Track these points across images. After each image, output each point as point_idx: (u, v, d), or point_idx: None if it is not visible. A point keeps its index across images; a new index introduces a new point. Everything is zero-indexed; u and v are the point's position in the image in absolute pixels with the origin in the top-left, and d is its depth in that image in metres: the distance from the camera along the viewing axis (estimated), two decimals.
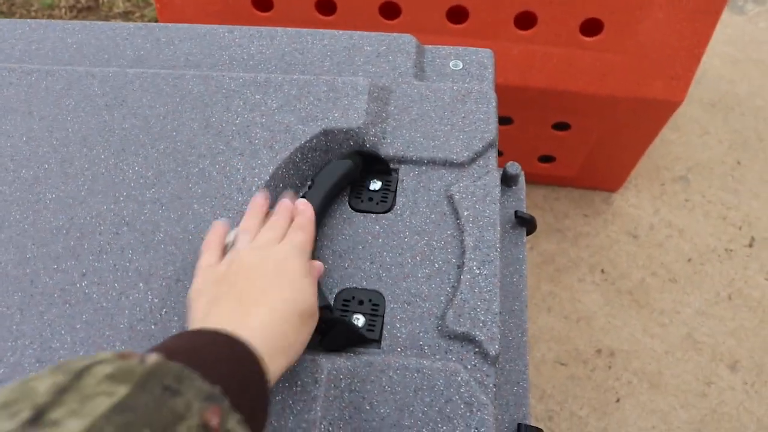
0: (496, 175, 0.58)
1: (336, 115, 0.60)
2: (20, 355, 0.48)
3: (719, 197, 1.56)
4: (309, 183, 0.55)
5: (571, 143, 1.39)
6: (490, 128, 0.61)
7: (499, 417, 0.55)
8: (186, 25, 0.71)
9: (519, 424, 0.54)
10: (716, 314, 1.37)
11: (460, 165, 0.59)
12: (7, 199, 0.56)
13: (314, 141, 0.59)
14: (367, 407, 0.46)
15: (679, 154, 1.64)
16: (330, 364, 0.46)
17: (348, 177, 0.56)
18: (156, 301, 0.50)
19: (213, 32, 0.70)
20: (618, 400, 1.27)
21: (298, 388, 0.45)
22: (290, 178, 0.58)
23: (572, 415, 1.26)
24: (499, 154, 1.06)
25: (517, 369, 0.58)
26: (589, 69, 1.18)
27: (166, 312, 0.49)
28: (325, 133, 0.59)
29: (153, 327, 0.49)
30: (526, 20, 1.14)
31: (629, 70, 1.17)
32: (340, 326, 0.48)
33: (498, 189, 0.57)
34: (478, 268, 0.52)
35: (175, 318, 0.49)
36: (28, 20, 0.73)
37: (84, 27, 0.72)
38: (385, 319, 0.51)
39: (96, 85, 0.63)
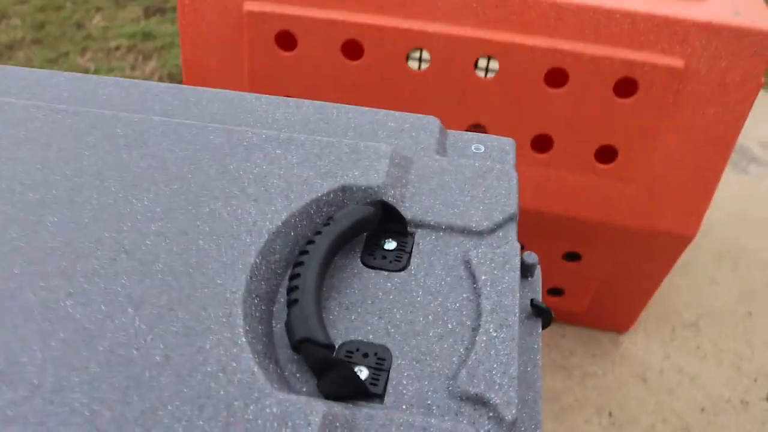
0: (516, 245, 0.56)
1: (356, 173, 0.59)
2: None
3: (732, 347, 1.50)
4: (327, 221, 0.53)
5: (581, 276, 1.37)
6: (511, 203, 0.60)
7: None
8: (215, 90, 0.73)
9: None
10: None
11: (479, 233, 0.57)
12: (7, 218, 0.54)
13: (331, 195, 0.57)
14: None
15: (689, 301, 1.61)
16: (326, 408, 0.41)
17: (366, 223, 0.54)
18: (143, 327, 0.46)
19: (240, 97, 0.72)
20: None
21: (288, 429, 0.39)
22: (302, 228, 0.56)
23: None
24: None
25: None
26: (602, 197, 1.20)
27: (151, 339, 0.45)
28: (344, 189, 0.58)
29: (134, 352, 0.44)
30: (542, 143, 1.18)
31: (642, 201, 1.18)
32: (341, 369, 0.43)
33: (518, 259, 0.55)
34: (495, 332, 0.48)
35: (161, 345, 0.44)
36: (66, 73, 0.75)
37: (116, 83, 0.74)
38: (390, 374, 0.46)
39: (119, 127, 0.64)
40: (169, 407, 0.41)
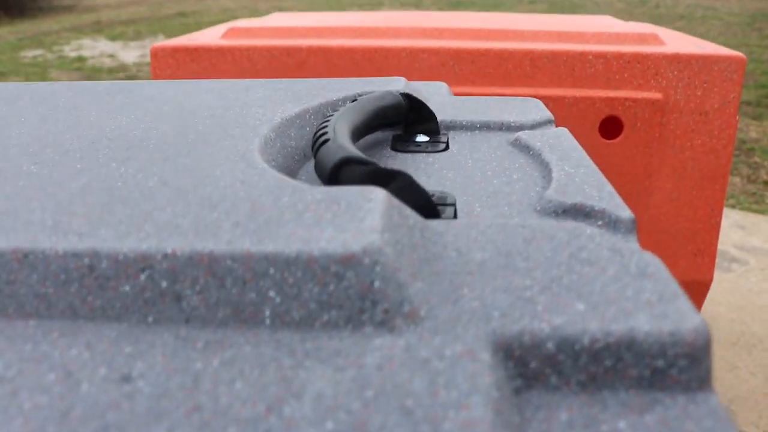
0: (567, 131, 0.48)
1: (380, 84, 0.52)
2: None
3: None
4: (352, 99, 0.44)
5: None
6: (545, 113, 0.53)
7: None
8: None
9: None
10: None
11: (519, 127, 0.49)
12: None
13: (346, 101, 0.50)
14: (453, 254, 0.28)
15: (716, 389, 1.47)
16: (386, 194, 0.29)
17: (393, 110, 0.45)
18: (130, 171, 0.35)
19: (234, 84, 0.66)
20: None
21: (341, 207, 0.28)
22: (316, 112, 0.47)
23: None
24: None
25: None
26: None
27: (143, 176, 0.34)
28: (360, 96, 0.50)
29: (119, 184, 0.33)
30: None
31: (647, 247, 1.12)
32: (403, 178, 0.32)
33: (574, 141, 0.47)
34: (573, 169, 0.39)
35: (155, 177, 0.33)
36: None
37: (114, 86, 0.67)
38: (458, 207, 0.35)
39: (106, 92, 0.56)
40: (168, 209, 0.29)
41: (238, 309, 0.24)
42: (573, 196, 0.34)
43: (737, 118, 1.05)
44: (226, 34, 1.17)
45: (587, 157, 0.41)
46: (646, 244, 1.11)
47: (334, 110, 0.44)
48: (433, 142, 0.47)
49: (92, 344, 0.23)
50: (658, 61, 1.04)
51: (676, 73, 1.04)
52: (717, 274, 1.96)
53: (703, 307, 1.82)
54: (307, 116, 0.46)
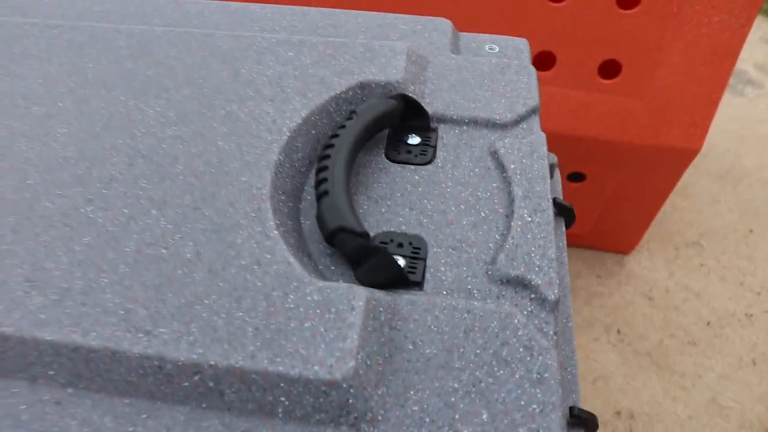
0: (542, 135, 0.54)
1: (373, 70, 0.57)
2: (7, 274, 0.41)
3: (734, 263, 1.52)
4: (349, 115, 0.51)
5: (585, 196, 1.37)
6: (532, 95, 0.58)
7: None
8: (218, 2, 0.70)
9: (571, 407, 0.47)
10: (741, 379, 1.29)
11: (504, 126, 0.55)
12: (13, 132, 0.52)
13: (350, 93, 0.55)
14: (410, 347, 0.39)
15: (690, 221, 1.62)
16: (368, 293, 0.40)
17: (389, 116, 0.52)
18: (169, 226, 0.44)
19: (245, 7, 0.69)
20: None
21: (332, 315, 0.38)
22: (323, 127, 0.54)
23: None
24: None
25: (565, 355, 0.51)
26: (607, 114, 1.18)
27: (180, 237, 0.43)
28: (362, 86, 0.56)
29: (163, 251, 0.42)
30: (545, 60, 1.15)
31: (647, 116, 1.17)
32: (380, 255, 0.42)
33: (545, 148, 0.53)
34: (530, 216, 0.47)
35: (190, 243, 0.43)
36: None
37: None
38: (427, 263, 0.45)
39: (121, 39, 0.61)
40: (206, 301, 0.40)
41: (261, 405, 0.36)
42: (518, 267, 0.44)
43: None
44: None
45: (547, 193, 0.49)
46: (647, 110, 1.16)
47: (339, 126, 0.51)
48: (424, 145, 0.54)
49: (169, 426, 0.36)
50: None
51: None
52: (727, 98, 1.99)
53: None
54: (313, 119, 0.53)
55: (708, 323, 1.40)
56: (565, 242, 0.61)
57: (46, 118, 0.53)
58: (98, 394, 0.37)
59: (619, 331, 1.38)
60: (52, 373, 0.38)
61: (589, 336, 1.37)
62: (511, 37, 0.69)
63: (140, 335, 0.38)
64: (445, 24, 0.67)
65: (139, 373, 0.37)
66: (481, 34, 0.69)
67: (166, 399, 0.37)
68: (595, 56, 1.12)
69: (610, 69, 1.15)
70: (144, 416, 0.36)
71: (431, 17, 0.68)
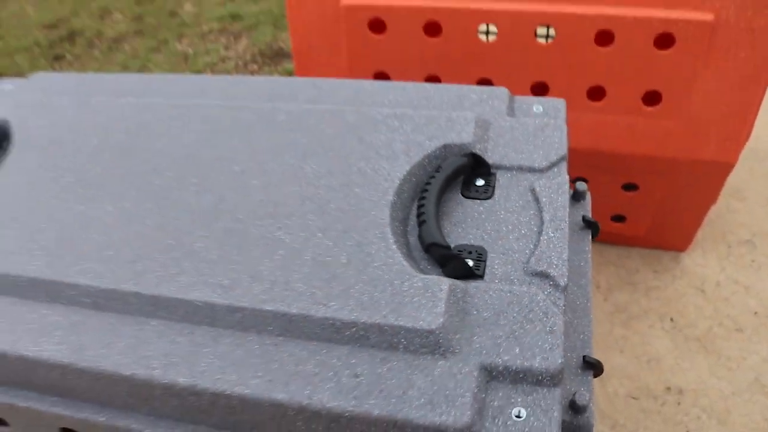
0: (566, 177, 0.81)
1: (452, 135, 0.85)
2: (248, 272, 0.73)
3: None
4: (436, 169, 0.79)
5: (639, 202, 1.58)
6: (562, 147, 0.84)
7: (568, 354, 0.74)
8: (341, 80, 1.00)
9: (584, 356, 0.74)
10: None
11: (540, 171, 0.82)
12: (223, 186, 0.84)
13: (437, 152, 0.84)
14: (475, 312, 0.67)
15: (744, 222, 1.79)
16: (450, 282, 0.68)
17: (463, 169, 0.80)
18: (330, 244, 0.74)
19: (360, 84, 0.99)
20: None
21: (429, 293, 0.67)
22: (420, 176, 0.83)
23: None
24: None
25: (582, 323, 0.78)
26: (651, 134, 1.40)
27: (337, 250, 0.73)
28: (445, 147, 0.84)
29: (329, 259, 0.73)
30: (597, 93, 1.39)
31: (686, 135, 1.38)
32: (458, 260, 0.71)
33: (567, 186, 0.80)
34: (553, 233, 0.74)
35: (344, 254, 0.73)
36: (193, 76, 1.04)
37: (252, 81, 1.02)
38: (487, 263, 0.73)
39: (281, 115, 0.92)
40: (356, 287, 0.70)
41: (392, 344, 0.66)
42: (542, 265, 0.71)
43: None
44: None
45: (566, 218, 0.75)
46: (685, 130, 1.38)
47: (430, 176, 0.79)
48: (486, 186, 0.82)
49: (339, 356, 0.66)
50: None
51: None
52: None
53: (759, 137, 2.03)
54: (413, 171, 0.82)
55: (755, 313, 1.58)
56: (590, 247, 0.87)
57: (242, 174, 0.85)
58: (299, 339, 0.68)
59: (672, 320, 1.59)
60: (270, 329, 0.69)
61: (644, 323, 1.58)
62: (552, 98, 0.95)
63: (321, 306, 0.68)
64: (503, 92, 0.94)
65: (325, 328, 0.67)
66: (530, 97, 0.96)
67: (335, 341, 0.67)
68: (638, 88, 1.35)
69: (652, 98, 1.37)
70: (324, 351, 0.66)
71: (493, 87, 0.95)
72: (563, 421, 0.68)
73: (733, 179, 1.92)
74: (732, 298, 1.61)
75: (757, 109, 1.34)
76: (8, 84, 1.09)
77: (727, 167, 1.40)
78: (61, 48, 3.19)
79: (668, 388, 1.45)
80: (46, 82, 1.08)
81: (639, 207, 1.60)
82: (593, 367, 0.73)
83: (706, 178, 1.45)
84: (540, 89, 1.39)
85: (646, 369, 1.49)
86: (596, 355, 1.54)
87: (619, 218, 1.68)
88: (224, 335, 0.68)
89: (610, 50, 1.31)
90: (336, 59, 1.48)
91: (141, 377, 0.66)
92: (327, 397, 0.62)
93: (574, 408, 0.68)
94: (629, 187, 1.56)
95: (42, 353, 0.69)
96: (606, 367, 1.50)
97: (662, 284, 1.66)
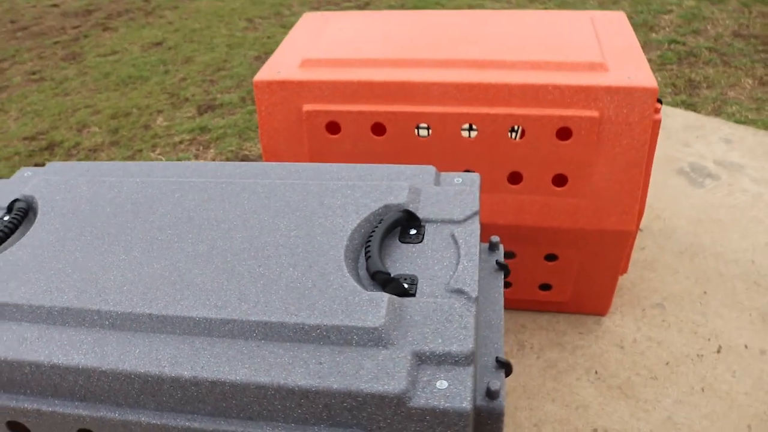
0: (477, 227, 1.07)
1: (391, 197, 1.11)
2: (244, 289, 0.95)
3: (690, 318, 1.95)
4: (378, 222, 1.05)
5: (560, 271, 1.86)
6: (475, 205, 1.11)
7: (485, 358, 0.97)
8: (308, 164, 1.27)
9: (497, 357, 0.96)
10: (691, 402, 1.70)
11: (459, 222, 1.08)
12: (215, 244, 1.07)
13: (380, 210, 1.10)
14: (408, 317, 0.90)
15: (655, 288, 2.07)
16: (390, 296, 0.91)
17: (400, 221, 1.06)
18: (299, 274, 0.97)
19: (321, 166, 1.25)
20: None
21: (374, 304, 0.90)
22: (366, 227, 1.08)
23: None
24: (507, 285, 1.51)
25: (496, 336, 1.01)
26: (562, 210, 1.70)
27: (305, 278, 0.96)
28: (385, 206, 1.10)
29: (299, 285, 0.96)
30: (515, 177, 1.69)
31: (591, 210, 1.68)
32: (396, 282, 0.94)
33: (478, 232, 1.06)
34: (466, 263, 0.99)
35: (311, 279, 0.96)
36: (178, 163, 1.29)
37: (235, 165, 1.28)
38: (417, 286, 0.97)
39: (259, 188, 1.17)
40: (320, 302, 0.92)
41: (346, 340, 0.88)
42: (458, 284, 0.95)
43: (657, 121, 1.56)
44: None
45: (476, 253, 1.00)
46: (589, 206, 1.68)
47: (373, 227, 1.04)
48: (417, 233, 1.07)
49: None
50: (598, 91, 1.54)
51: (609, 99, 1.54)
52: (689, 189, 2.48)
53: (666, 220, 2.37)
54: (362, 224, 1.07)
55: (667, 363, 1.82)
56: (502, 283, 1.12)
57: (229, 230, 1.08)
58: (276, 341, 0.89)
59: (596, 372, 1.82)
60: (254, 334, 0.90)
61: (572, 376, 1.81)
62: (469, 173, 1.23)
63: (293, 315, 0.90)
64: (431, 170, 1.22)
65: (296, 332, 0.89)
66: (453, 173, 1.24)
67: (304, 340, 0.88)
68: (548, 172, 1.66)
69: (560, 180, 1.68)
70: (296, 348, 0.88)
71: (423, 165, 1.23)
72: (481, 407, 0.90)
73: (645, 254, 2.23)
74: (647, 352, 1.86)
75: (645, 187, 1.66)
76: (28, 171, 1.33)
77: (627, 235, 1.69)
78: (41, 157, 3.44)
79: (595, 430, 1.66)
80: (61, 168, 1.31)
81: (561, 275, 1.87)
82: (504, 365, 0.96)
83: (613, 246, 1.74)
84: None
85: (574, 414, 1.70)
86: (531, 403, 1.74)
87: (545, 287, 1.94)
88: (218, 341, 0.89)
89: (522, 142, 1.62)
90: (299, 156, 1.76)
91: (153, 373, 0.85)
92: (298, 378, 0.83)
93: (489, 394, 0.90)
94: (551, 257, 1.84)
95: (71, 361, 0.88)
96: (539, 414, 1.70)
97: (587, 343, 1.90)
